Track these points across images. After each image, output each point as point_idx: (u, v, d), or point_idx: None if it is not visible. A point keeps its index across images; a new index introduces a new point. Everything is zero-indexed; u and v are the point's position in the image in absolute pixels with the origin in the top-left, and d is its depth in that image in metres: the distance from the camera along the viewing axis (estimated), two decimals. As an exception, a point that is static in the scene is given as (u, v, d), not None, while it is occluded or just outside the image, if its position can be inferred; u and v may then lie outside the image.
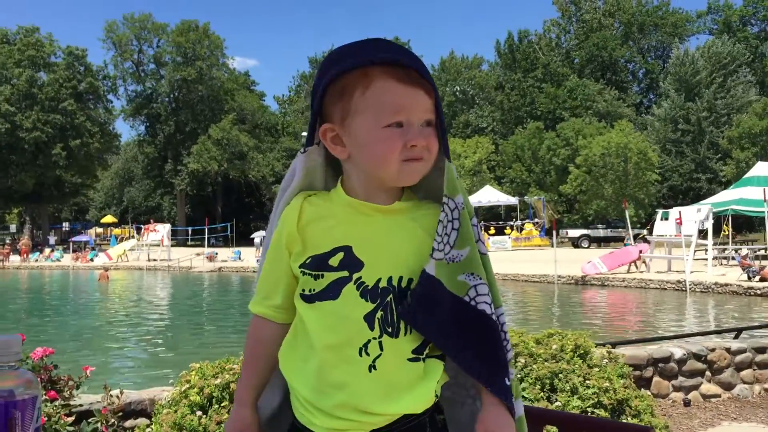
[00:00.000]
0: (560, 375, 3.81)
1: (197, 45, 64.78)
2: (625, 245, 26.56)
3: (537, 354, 3.99)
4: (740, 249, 24.38)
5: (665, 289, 18.85)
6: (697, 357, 5.46)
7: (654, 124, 58.51)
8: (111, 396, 3.41)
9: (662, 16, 69.61)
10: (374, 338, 1.22)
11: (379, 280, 1.24)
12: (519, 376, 3.77)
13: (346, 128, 1.27)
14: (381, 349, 1.21)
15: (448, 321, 1.23)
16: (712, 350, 5.56)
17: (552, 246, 23.92)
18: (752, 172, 28.55)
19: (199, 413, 2.92)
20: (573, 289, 20.52)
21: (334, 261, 1.26)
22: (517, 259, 30.63)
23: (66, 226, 72.89)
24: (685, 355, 5.39)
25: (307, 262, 1.28)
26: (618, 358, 4.44)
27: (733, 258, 23.18)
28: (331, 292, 1.24)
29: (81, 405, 3.40)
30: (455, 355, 1.23)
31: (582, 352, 4.10)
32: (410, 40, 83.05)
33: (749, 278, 17.73)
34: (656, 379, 5.25)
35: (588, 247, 41.93)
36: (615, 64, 67.33)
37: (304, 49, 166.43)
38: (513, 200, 45.53)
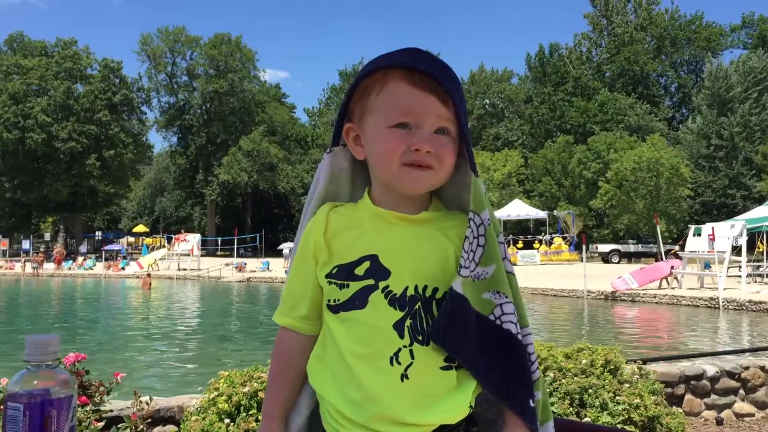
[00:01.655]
0: (590, 390, 3.76)
1: (229, 57, 65.61)
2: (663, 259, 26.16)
3: (566, 368, 3.95)
4: (775, 266, 23.91)
5: (698, 306, 18.50)
6: (731, 375, 5.35)
7: (686, 138, 57.79)
8: (141, 402, 3.45)
9: (695, 30, 68.91)
10: (405, 346, 1.20)
11: (406, 288, 1.22)
12: (548, 390, 3.73)
13: (362, 127, 1.28)
14: (412, 357, 1.19)
15: (474, 340, 1.21)
16: (746, 368, 5.44)
17: (581, 261, 23.65)
18: (788, 188, 28.00)
19: (227, 421, 2.94)
20: (602, 304, 20.24)
21: (360, 270, 1.25)
22: (546, 273, 30.35)
23: (99, 235, 73.97)
24: (718, 372, 5.28)
25: (334, 271, 1.27)
26: (649, 374, 4.38)
27: (768, 275, 22.72)
28: (358, 301, 1.24)
29: (111, 411, 3.44)
30: (480, 374, 1.21)
31: (612, 367, 4.05)
32: (440, 53, 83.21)
33: (785, 296, 17.34)
34: (688, 396, 5.15)
35: (618, 263, 41.41)
36: (647, 78, 66.72)
37: (335, 62, 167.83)
38: (542, 214, 45.23)
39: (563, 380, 3.82)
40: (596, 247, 44.66)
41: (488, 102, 70.05)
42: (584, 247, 23.82)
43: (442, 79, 1.21)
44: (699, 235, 22.24)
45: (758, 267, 25.51)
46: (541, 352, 4.04)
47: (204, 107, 68.29)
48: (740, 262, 21.18)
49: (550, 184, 55.85)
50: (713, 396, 5.24)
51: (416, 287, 1.23)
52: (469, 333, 1.21)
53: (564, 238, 42.21)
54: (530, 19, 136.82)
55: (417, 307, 1.22)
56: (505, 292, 1.24)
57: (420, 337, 1.21)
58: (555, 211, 47.58)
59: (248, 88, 67.88)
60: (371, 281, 1.24)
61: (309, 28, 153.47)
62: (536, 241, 42.54)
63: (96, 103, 57.73)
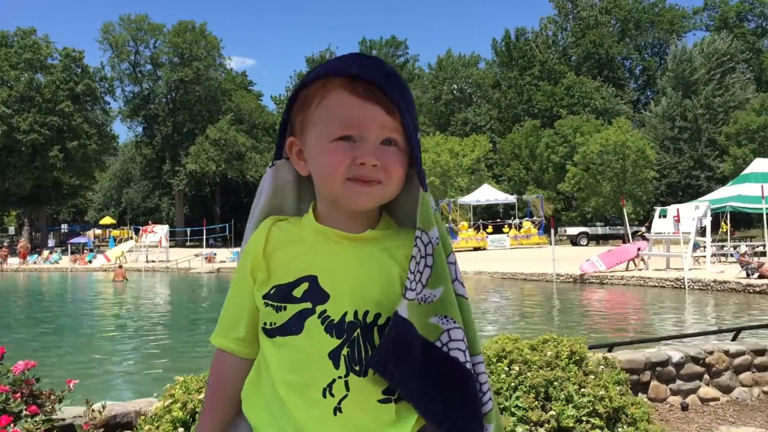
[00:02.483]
0: (555, 383, 3.74)
1: (194, 45, 64.69)
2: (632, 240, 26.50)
3: (532, 361, 3.91)
4: (739, 246, 24.36)
5: (664, 287, 18.78)
6: (695, 360, 5.39)
7: (651, 121, 58.52)
8: (93, 411, 3.33)
9: (658, 12, 69.63)
10: (340, 377, 1.12)
11: (345, 314, 1.14)
12: (513, 384, 3.70)
13: (304, 141, 1.20)
14: (347, 389, 1.12)
15: (417, 369, 1.13)
16: (711, 353, 5.48)
17: (550, 244, 23.85)
18: (750, 169, 28.47)
19: (181, 430, 2.84)
20: (572, 287, 20.46)
21: (298, 292, 1.16)
22: (516, 257, 30.57)
23: (64, 228, 72.76)
24: (682, 358, 5.31)
25: (271, 292, 1.18)
26: (615, 363, 4.37)
27: (732, 255, 23.14)
28: (294, 326, 1.15)
29: (63, 419, 3.33)
30: (422, 407, 1.13)
31: (578, 358, 4.03)
32: (407, 39, 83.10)
33: (748, 275, 17.65)
34: (654, 383, 5.17)
35: (587, 245, 41.86)
36: (612, 62, 67.30)
37: (302, 49, 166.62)
38: (511, 198, 45.48)
39: (528, 373, 3.79)
40: (565, 230, 45.09)
41: (456, 87, 70.12)
42: (553, 230, 24.01)
43: (387, 87, 1.12)
44: (665, 216, 22.55)
45: (722, 247, 25.97)
46: (507, 345, 4.00)
47: (169, 96, 67.31)
48: (705, 242, 21.54)
49: (519, 168, 56.19)
50: (678, 382, 5.28)
51: (356, 313, 1.15)
52: (412, 362, 1.13)
53: (533, 222, 42.49)
54: (497, 4, 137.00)
55: (356, 334, 1.14)
56: (454, 317, 1.16)
57: (357, 368, 1.12)
58: (524, 195, 47.85)
59: (214, 76, 67.07)
60: (308, 305, 1.15)
61: (275, 15, 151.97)
62: (506, 226, 42.79)
63: (58, 93, 56.46)
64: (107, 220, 69.75)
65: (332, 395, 1.11)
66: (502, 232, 41.64)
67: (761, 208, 21.88)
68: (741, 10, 67.69)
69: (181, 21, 65.97)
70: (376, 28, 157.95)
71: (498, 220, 44.94)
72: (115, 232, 55.85)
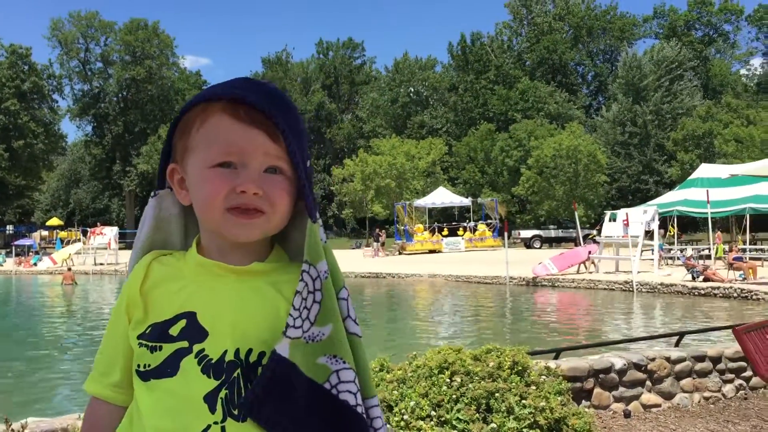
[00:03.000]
0: (497, 394, 3.71)
1: (146, 44, 63.64)
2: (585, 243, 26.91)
3: (474, 372, 3.89)
4: (685, 249, 24.94)
5: (613, 289, 19.10)
6: (638, 367, 5.44)
7: (603, 126, 59.71)
8: (12, 430, 3.17)
9: (610, 20, 71.07)
10: (215, 423, 1.02)
11: (225, 353, 1.05)
12: (454, 396, 3.66)
13: (185, 168, 1.11)
14: None
15: (303, 413, 1.04)
16: (653, 359, 5.54)
17: (504, 247, 24.08)
18: (696, 174, 29.24)
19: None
20: (524, 290, 20.65)
21: (174, 330, 1.06)
22: (470, 260, 30.78)
23: (10, 229, 70.62)
24: (625, 365, 5.36)
25: (147, 331, 1.09)
26: (557, 372, 4.37)
27: (678, 258, 23.68)
28: (169, 367, 1.05)
29: (-17, 440, 3.16)
30: None
31: (520, 368, 4.01)
32: (364, 41, 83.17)
33: (693, 278, 18.07)
34: (597, 390, 5.20)
35: (540, 248, 42.42)
36: (565, 67, 68.44)
37: (258, 49, 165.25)
38: (466, 201, 45.81)
39: (470, 385, 3.75)
40: (519, 233, 45.62)
41: (413, 90, 70.43)
42: (507, 233, 24.22)
43: (271, 112, 1.05)
44: (614, 220, 22.93)
45: (669, 250, 26.57)
46: (449, 355, 3.96)
47: (120, 95, 66.04)
48: (653, 245, 21.99)
49: (474, 171, 56.68)
50: (621, 388, 5.32)
51: (237, 351, 1.05)
52: (294, 405, 1.04)
53: (488, 225, 42.86)
54: (453, 8, 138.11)
55: (236, 375, 1.04)
56: (344, 357, 1.08)
57: (236, 412, 1.03)
58: (479, 198, 48.27)
59: (167, 75, 66.11)
60: (185, 343, 1.06)
61: (231, 14, 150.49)
62: (461, 228, 43.08)
63: (3, 91, 54.95)
64: (54, 221, 67.92)
65: None
66: (457, 235, 41.90)
67: (706, 213, 22.48)
68: (689, 19, 69.56)
69: (133, 19, 64.91)
70: (333, 29, 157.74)
71: (453, 223, 45.19)
72: (63, 234, 54.45)
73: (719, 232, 23.12)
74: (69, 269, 27.65)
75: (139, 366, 1.08)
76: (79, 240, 43.36)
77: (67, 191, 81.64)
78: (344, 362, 1.08)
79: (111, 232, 37.83)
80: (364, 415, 1.08)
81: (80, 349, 11.72)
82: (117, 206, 74.53)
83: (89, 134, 69.25)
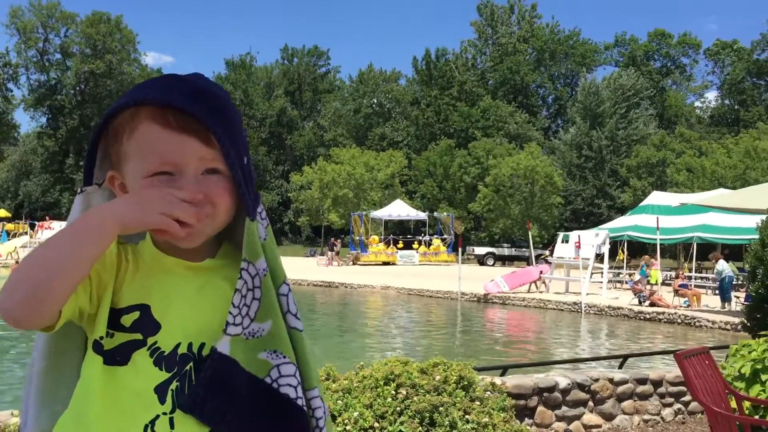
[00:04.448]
0: (441, 408, 3.72)
1: (108, 38, 62.55)
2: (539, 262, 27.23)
3: (420, 385, 3.89)
4: (633, 274, 25.44)
5: (562, 310, 19.37)
6: (581, 387, 5.51)
7: (560, 148, 60.73)
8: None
9: (572, 45, 72.50)
10: (164, 413, 1.02)
11: (177, 346, 1.06)
12: (398, 409, 3.65)
13: (123, 175, 1.09)
14: (171, 427, 1.02)
15: (245, 408, 1.06)
16: (596, 380, 5.62)
17: (458, 262, 24.24)
18: (647, 201, 29.94)
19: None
20: (475, 306, 20.80)
21: (127, 320, 1.06)
22: (424, 273, 30.89)
23: (-47, 219, 68.39)
24: (569, 384, 5.42)
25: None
26: (502, 389, 4.40)
27: (626, 282, 24.16)
28: (119, 355, 1.05)
29: None
30: None
31: (465, 383, 4.03)
32: (330, 50, 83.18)
33: (640, 303, 18.46)
34: (540, 408, 5.25)
35: (493, 265, 42.81)
36: (527, 89, 69.50)
37: (222, 50, 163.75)
38: (423, 215, 46.04)
39: (415, 398, 3.75)
40: (473, 250, 45.98)
41: (376, 102, 70.66)
42: (461, 249, 24.39)
43: (202, 114, 1.03)
44: (567, 241, 23.29)
45: (618, 274, 27.09)
46: (396, 367, 3.96)
47: (78, 88, 64.71)
48: (602, 268, 22.40)
49: (432, 186, 57.04)
50: (564, 408, 5.38)
51: (190, 345, 1.06)
52: (237, 401, 1.05)
53: (443, 240, 43.14)
54: (420, 23, 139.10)
55: (188, 368, 1.05)
56: (285, 352, 1.10)
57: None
58: (435, 213, 48.56)
59: (127, 70, 65.02)
60: (138, 336, 1.05)
61: (197, 13, 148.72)
62: (416, 242, 43.25)
63: (-45, 76, 53.34)
64: (1, 212, 65.98)
65: None
66: (412, 248, 42.07)
67: (655, 239, 22.99)
68: (648, 50, 71.40)
69: (95, 11, 63.83)
70: (299, 36, 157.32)
71: (408, 236, 45.38)
72: (9, 226, 52.83)
73: (648, 257, 23.63)
74: (16, 262, 26.83)
75: (101, 338, 1.05)
76: (26, 233, 42.21)
77: (17, 183, 79.30)
78: (284, 357, 1.10)
79: (59, 227, 36.80)
80: (305, 407, 1.11)
81: (22, 349, 11.38)
82: (68, 201, 72.70)
83: (43, 126, 67.63)
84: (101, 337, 1.05)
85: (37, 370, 1.12)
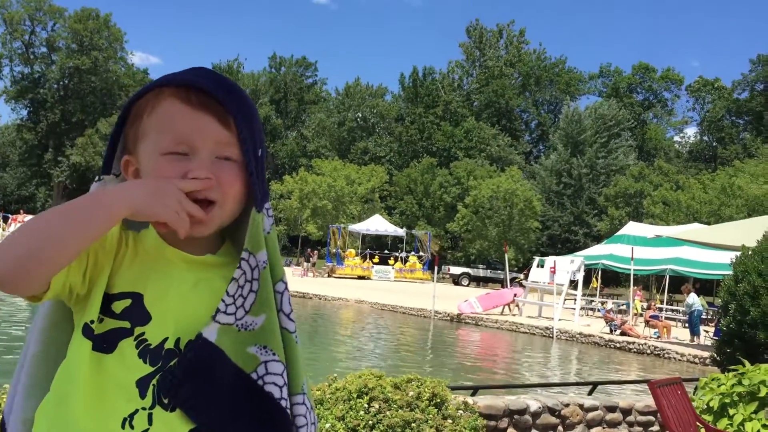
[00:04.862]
0: (413, 424, 3.71)
1: (95, 34, 62.18)
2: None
3: (393, 400, 3.88)
4: (606, 302, 25.68)
5: (534, 334, 19.45)
6: (552, 411, 5.53)
7: (541, 173, 61.25)
8: None
9: (558, 73, 73.41)
10: (143, 408, 1.00)
11: (165, 340, 1.03)
12: (371, 422, 3.64)
13: (137, 156, 1.09)
14: (149, 423, 1.00)
15: (225, 399, 1.04)
16: (567, 405, 5.65)
17: (433, 281, 24.28)
18: (624, 231, 30.26)
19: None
20: (448, 325, 20.82)
21: (118, 307, 1.04)
22: (398, 290, 30.88)
23: (-76, 207, 67.22)
24: (540, 408, 5.44)
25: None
26: (474, 408, 4.40)
27: (599, 310, 24.34)
28: (105, 342, 1.02)
29: None
30: None
31: (438, 401, 4.03)
32: (317, 61, 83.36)
33: (611, 331, 18.60)
34: (510, 430, 5.25)
35: (468, 285, 42.91)
36: (511, 112, 70.15)
37: (211, 54, 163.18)
38: (400, 232, 46.06)
39: (388, 412, 3.74)
40: (448, 269, 46.05)
41: (360, 116, 70.85)
42: (436, 267, 24.44)
43: (223, 98, 1.04)
44: (542, 266, 23.45)
45: (591, 302, 27.30)
46: (370, 381, 3.95)
47: (62, 83, 64.17)
48: (576, 295, 22.57)
49: (412, 203, 57.18)
50: (534, 431, 5.39)
51: (178, 341, 1.04)
52: (216, 391, 1.03)
53: (419, 257, 43.18)
54: (409, 40, 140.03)
55: (172, 364, 1.02)
56: (275, 349, 1.08)
57: (166, 401, 1.01)
58: (413, 230, 48.65)
59: (113, 69, 64.63)
60: (126, 324, 1.03)
61: (187, 16, 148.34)
62: (392, 258, 43.25)
63: (-64, 62, 52.62)
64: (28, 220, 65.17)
65: (132, 427, 0.99)
66: (388, 264, 42.05)
67: (629, 269, 23.21)
68: (632, 82, 72.51)
69: (84, 8, 63.35)
70: (287, 45, 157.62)
71: (385, 252, 45.35)
72: (-19, 218, 52.11)
73: (637, 289, 23.90)
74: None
75: (92, 322, 1.03)
76: (-3, 226, 41.55)
77: (-8, 174, 78.37)
78: (274, 354, 1.08)
79: (33, 222, 36.37)
80: (288, 410, 1.08)
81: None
82: (44, 195, 71.86)
83: (24, 118, 66.89)
84: (92, 321, 1.03)
85: (29, 355, 1.10)
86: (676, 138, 75.11)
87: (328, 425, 3.52)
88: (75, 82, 63.11)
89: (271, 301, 1.09)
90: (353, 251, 41.78)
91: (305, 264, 39.63)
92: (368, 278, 39.20)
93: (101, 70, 62.88)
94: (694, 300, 18.77)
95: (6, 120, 77.07)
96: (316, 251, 41.85)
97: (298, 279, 34.65)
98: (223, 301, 1.05)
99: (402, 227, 48.65)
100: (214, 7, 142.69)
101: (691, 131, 77.01)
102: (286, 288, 1.13)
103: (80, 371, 1.01)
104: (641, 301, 22.84)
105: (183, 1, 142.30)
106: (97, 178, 1.15)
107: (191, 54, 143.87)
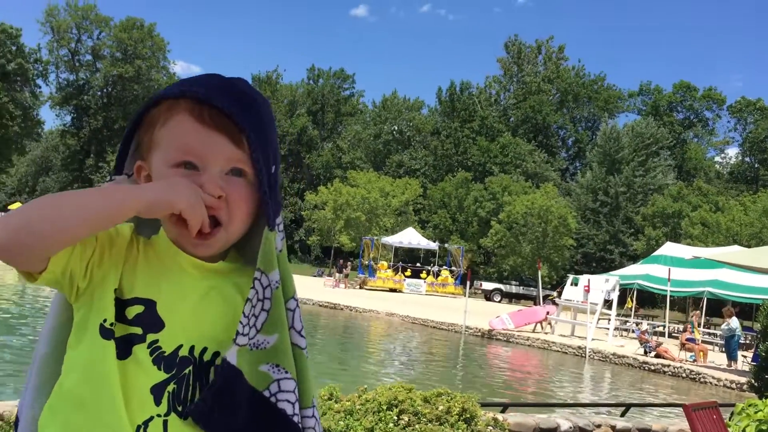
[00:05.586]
0: (442, 439, 3.70)
1: (139, 44, 63.51)
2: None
3: (423, 413, 3.88)
4: (641, 323, 25.23)
5: (566, 353, 19.21)
6: (583, 431, 5.46)
7: (576, 191, 60.63)
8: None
9: (597, 90, 72.77)
10: (158, 415, 1.00)
11: (179, 347, 1.04)
12: (399, 435, 3.64)
13: (149, 164, 1.10)
14: (165, 430, 1.00)
15: (242, 421, 1.05)
16: (598, 426, 5.58)
17: (465, 296, 24.13)
18: (661, 251, 29.74)
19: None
20: (479, 341, 20.68)
21: (130, 312, 1.04)
22: (429, 303, 30.78)
23: (-30, 207, 69.11)
24: (571, 428, 5.38)
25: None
26: (504, 426, 4.37)
27: (633, 331, 23.93)
28: (118, 348, 1.01)
29: None
30: None
31: (468, 416, 4.01)
32: (355, 73, 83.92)
33: (645, 353, 18.27)
34: (540, 449, 5.21)
35: (500, 302, 42.59)
36: (548, 129, 69.67)
37: (250, 64, 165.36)
38: (433, 245, 45.95)
39: (417, 426, 3.74)
40: (480, 284, 45.77)
41: (396, 129, 71.00)
42: (469, 282, 24.30)
43: (237, 115, 1.04)
44: (576, 284, 23.16)
45: (625, 322, 26.86)
46: (400, 393, 3.95)
47: (105, 90, 65.63)
48: (610, 315, 22.22)
49: (445, 217, 57.02)
50: (563, 450, 5.33)
51: (192, 348, 1.05)
52: (236, 413, 1.04)
53: (451, 272, 43.01)
54: (448, 55, 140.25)
55: (187, 371, 1.03)
56: (287, 367, 1.09)
57: (180, 408, 1.02)
58: (446, 244, 48.49)
59: (155, 77, 65.85)
60: (138, 330, 1.03)
61: (227, 26, 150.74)
62: (424, 271, 43.15)
63: (-14, 68, 54.18)
64: (17, 205, 66.68)
65: None
66: (420, 277, 41.95)
67: (666, 290, 22.81)
68: (672, 101, 71.50)
69: (129, 17, 64.81)
70: (326, 57, 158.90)
71: (417, 265, 45.28)
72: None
73: (696, 312, 23.36)
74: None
75: (104, 322, 1.02)
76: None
77: (36, 178, 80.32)
78: (286, 372, 1.08)
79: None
80: (300, 425, 1.09)
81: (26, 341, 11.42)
82: (83, 200, 73.46)
83: (67, 124, 68.49)
84: (112, 324, 1.02)
85: (39, 356, 1.11)
86: (717, 158, 73.86)
87: (357, 436, 3.54)
88: (118, 89, 64.49)
89: (283, 321, 1.10)
90: (385, 263, 41.81)
91: (338, 275, 39.75)
92: (400, 291, 39.16)
93: (144, 79, 64.15)
94: (736, 324, 18.30)
95: (50, 125, 78.88)
96: (349, 262, 41.91)
97: (329, 289, 34.77)
98: (240, 323, 1.05)
99: (435, 241, 48.53)
100: (254, 18, 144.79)
101: (732, 152, 75.52)
102: (298, 305, 1.14)
103: (109, 374, 1.00)
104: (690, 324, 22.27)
105: (224, 12, 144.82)
106: (109, 177, 1.16)
107: (231, 64, 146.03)
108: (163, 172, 1.06)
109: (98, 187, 1.05)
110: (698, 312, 23.36)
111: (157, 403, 1.01)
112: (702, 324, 26.04)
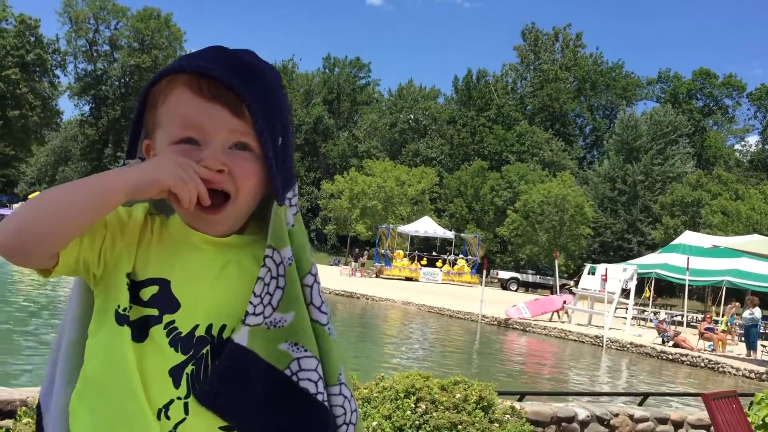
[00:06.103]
0: (459, 426, 3.71)
1: (156, 34, 63.78)
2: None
3: (440, 401, 3.89)
4: (659, 312, 25.08)
5: (583, 342, 19.15)
6: (600, 420, 5.45)
7: (594, 179, 60.21)
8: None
9: (614, 77, 72.03)
10: (179, 398, 0.98)
11: (195, 327, 1.01)
12: (417, 423, 3.65)
13: (154, 143, 1.07)
14: (186, 412, 0.98)
15: (260, 400, 1.02)
16: (616, 415, 5.56)
17: (481, 284, 24.11)
18: (679, 240, 29.51)
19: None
20: (495, 330, 20.67)
21: (145, 294, 1.02)
22: (446, 292, 30.78)
23: (-9, 197, 69.90)
24: (588, 417, 5.37)
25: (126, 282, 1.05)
26: (521, 414, 4.38)
27: (651, 320, 23.81)
28: (137, 331, 1.00)
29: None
30: None
31: (485, 404, 4.02)
32: (371, 62, 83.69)
33: (663, 342, 18.17)
34: (557, 437, 5.21)
35: (516, 290, 42.52)
36: (565, 117, 69.17)
37: (266, 53, 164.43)
38: (450, 234, 45.90)
39: (434, 413, 3.75)
40: (497, 273, 45.71)
41: (412, 117, 70.81)
42: (485, 271, 24.27)
43: (239, 85, 1.00)
44: (593, 273, 23.06)
45: (643, 311, 26.72)
46: (417, 381, 3.96)
47: (123, 80, 66.02)
48: (627, 304, 22.11)
49: (461, 206, 56.90)
50: (581, 439, 5.33)
51: (210, 327, 1.02)
52: (252, 394, 1.02)
53: (467, 261, 42.97)
54: (464, 43, 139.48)
55: (204, 351, 1.01)
56: (306, 345, 1.05)
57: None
58: (462, 233, 48.41)
59: (172, 67, 66.18)
60: (154, 311, 1.01)
61: (244, 16, 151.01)
62: (440, 260, 43.14)
63: (6, 59, 54.65)
64: (36, 194, 67.34)
65: (168, 418, 0.98)
66: (436, 266, 41.94)
67: (684, 280, 22.64)
68: (691, 88, 70.65)
69: (147, 7, 65.09)
70: (341, 46, 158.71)
71: (434, 254, 45.26)
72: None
73: (734, 302, 23.09)
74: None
75: (119, 308, 1.01)
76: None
77: (55, 167, 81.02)
78: (306, 350, 1.05)
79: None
80: (325, 403, 1.06)
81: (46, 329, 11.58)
82: (102, 190, 74.13)
83: (86, 114, 69.04)
84: (125, 309, 1.01)
85: (66, 343, 1.09)
86: (737, 146, 72.92)
87: (375, 423, 3.55)
88: (135, 79, 64.83)
89: (299, 298, 1.06)
90: (401, 252, 41.83)
91: (354, 263, 39.84)
92: (416, 280, 39.18)
93: (161, 68, 64.32)
94: (760, 314, 18.12)
95: (69, 115, 79.53)
96: (365, 251, 41.95)
97: (346, 278, 34.86)
98: (250, 302, 1.02)
99: (451, 230, 48.48)
100: (270, 7, 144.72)
101: (752, 140, 74.49)
102: (316, 280, 1.10)
103: (126, 360, 0.99)
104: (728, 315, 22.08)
105: (240, 1, 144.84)
106: (123, 162, 1.14)
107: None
108: (164, 151, 1.03)
109: (91, 176, 1.02)
110: (737, 303, 23.08)
111: (176, 385, 0.99)
112: (720, 313, 25.87)
